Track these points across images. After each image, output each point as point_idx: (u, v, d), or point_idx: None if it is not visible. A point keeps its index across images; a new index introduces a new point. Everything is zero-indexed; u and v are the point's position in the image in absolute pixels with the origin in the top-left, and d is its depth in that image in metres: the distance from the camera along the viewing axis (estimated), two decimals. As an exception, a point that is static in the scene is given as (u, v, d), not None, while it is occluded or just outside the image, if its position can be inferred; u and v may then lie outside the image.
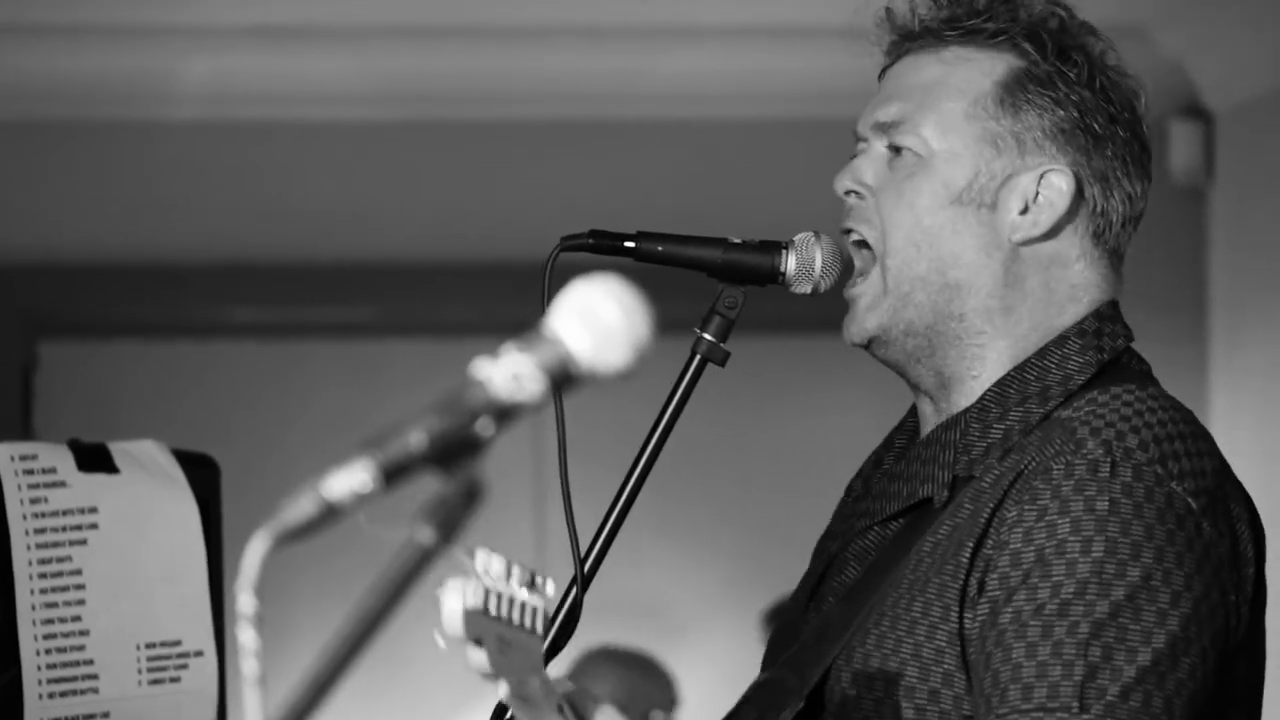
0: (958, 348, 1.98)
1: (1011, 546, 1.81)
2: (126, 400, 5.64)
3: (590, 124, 5.53)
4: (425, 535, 1.25)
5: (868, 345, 2.01)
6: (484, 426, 1.28)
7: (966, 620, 1.83)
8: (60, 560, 2.37)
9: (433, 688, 5.60)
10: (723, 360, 2.03)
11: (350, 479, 1.26)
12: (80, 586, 2.38)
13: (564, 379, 1.31)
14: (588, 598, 2.01)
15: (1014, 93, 1.98)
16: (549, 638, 1.99)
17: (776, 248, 2.04)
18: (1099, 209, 2.00)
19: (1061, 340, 1.97)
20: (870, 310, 1.99)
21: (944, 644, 1.84)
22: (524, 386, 1.30)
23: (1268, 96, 5.09)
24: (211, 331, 5.92)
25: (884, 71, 2.07)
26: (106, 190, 5.50)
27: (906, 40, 2.03)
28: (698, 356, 2.03)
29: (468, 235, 5.62)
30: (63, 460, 2.41)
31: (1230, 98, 5.24)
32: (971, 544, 1.84)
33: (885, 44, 2.06)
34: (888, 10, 2.04)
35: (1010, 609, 1.79)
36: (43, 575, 2.36)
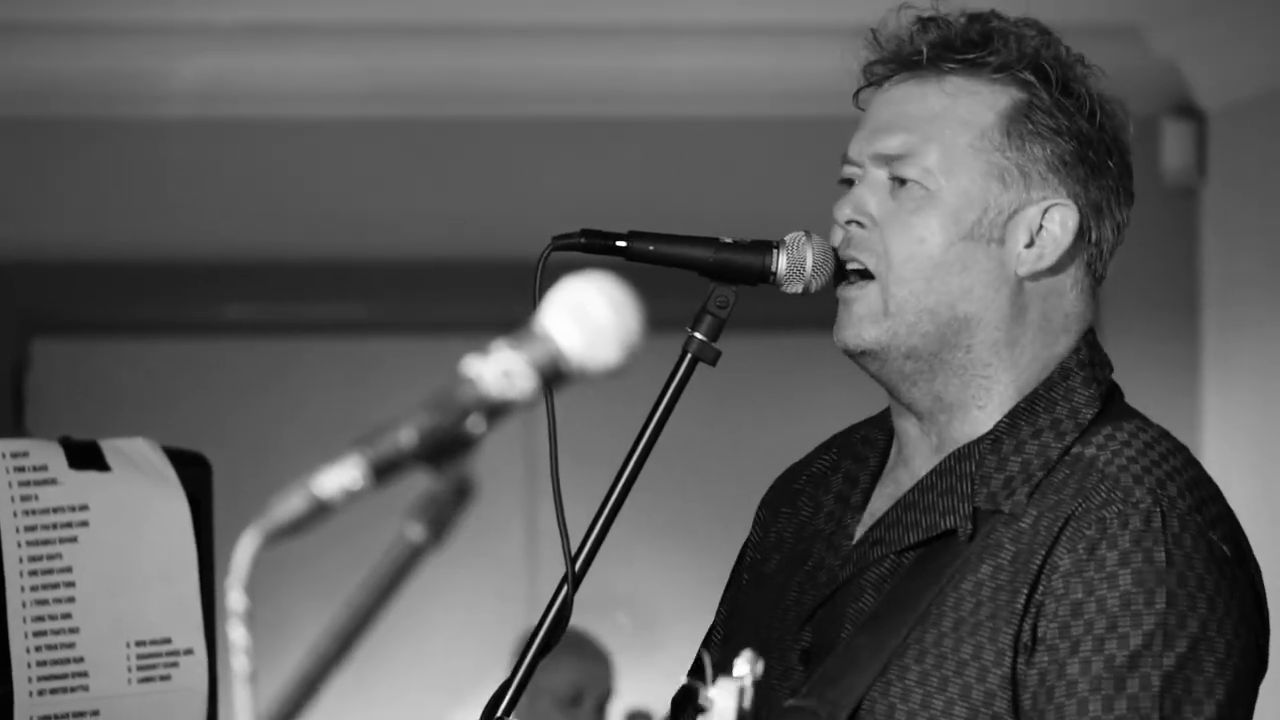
0: (962, 377, 1.99)
1: (1072, 597, 1.85)
2: (119, 398, 5.64)
3: (584, 122, 5.53)
4: (416, 533, 1.25)
5: (859, 354, 2.00)
6: (475, 424, 1.28)
7: (1020, 666, 1.86)
8: (51, 558, 2.37)
9: (422, 688, 5.61)
10: (714, 359, 2.03)
11: (341, 476, 1.26)
12: (71, 584, 2.38)
13: (555, 376, 1.31)
14: (578, 596, 2.01)
15: (1019, 125, 1.98)
16: (541, 635, 2.00)
17: (767, 247, 2.04)
18: (1094, 239, 2.03)
19: (1065, 373, 2.00)
20: (869, 322, 1.99)
21: (995, 687, 1.87)
22: (515, 384, 1.30)
23: (1259, 96, 5.10)
24: (204, 329, 5.92)
25: (861, 92, 2.07)
26: (100, 188, 5.50)
27: (904, 68, 2.02)
28: (688, 355, 2.03)
29: (461, 233, 5.62)
30: (54, 458, 2.40)
31: (1222, 97, 5.25)
32: (1026, 590, 1.87)
33: (876, 67, 2.05)
34: (874, 33, 2.04)
35: (1078, 660, 1.83)
36: (33, 573, 2.36)
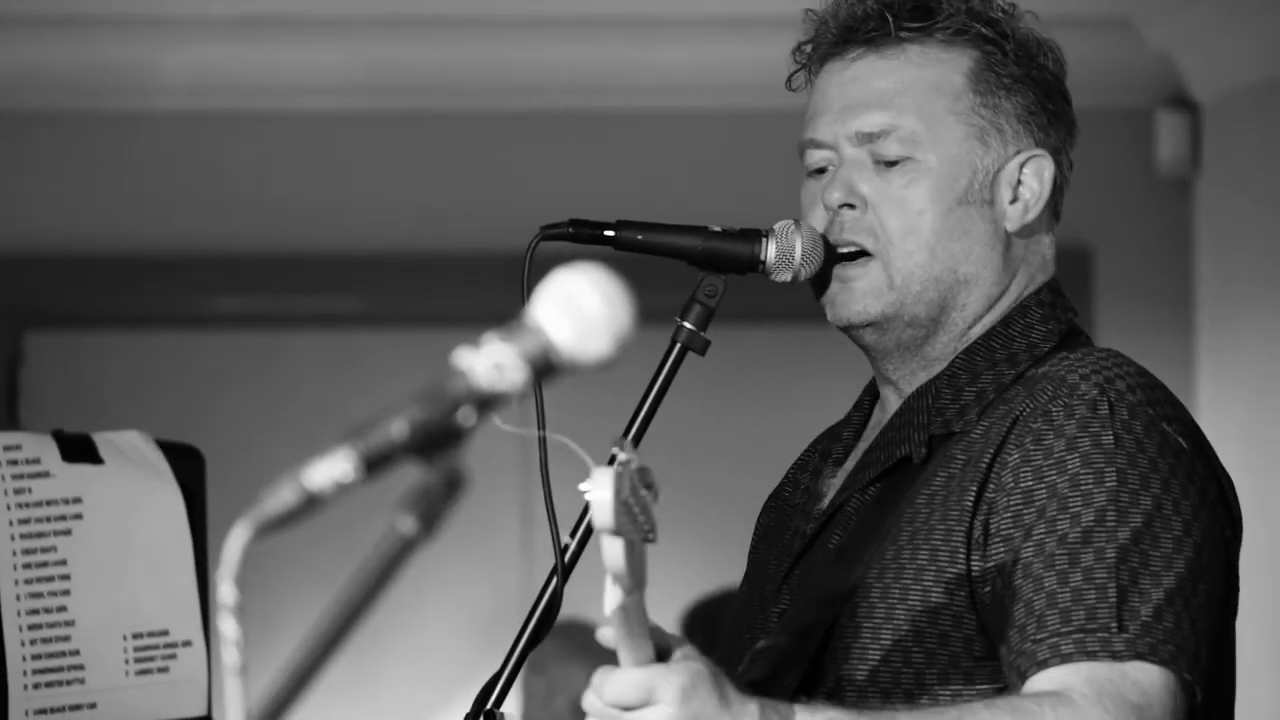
0: (951, 332, 2.03)
1: (1023, 485, 1.87)
2: (112, 391, 5.64)
3: (572, 115, 5.52)
4: (407, 525, 1.25)
5: (863, 327, 2.02)
6: (466, 416, 1.28)
7: (975, 562, 1.88)
8: (45, 551, 2.37)
9: (416, 681, 5.61)
10: (703, 349, 2.03)
11: (332, 468, 1.26)
12: (65, 577, 2.38)
13: (546, 368, 1.31)
14: (570, 586, 2.01)
15: (986, 83, 2.02)
16: (531, 626, 2.00)
17: (756, 235, 2.04)
18: (1059, 183, 2.07)
19: (1023, 309, 2.04)
20: (874, 297, 2.01)
21: (953, 586, 1.88)
22: (506, 376, 1.30)
23: (1254, 87, 5.09)
24: (196, 322, 5.91)
25: (808, 75, 2.08)
26: (91, 182, 5.49)
27: (856, 44, 2.03)
28: (678, 345, 2.03)
29: (450, 225, 5.62)
30: (47, 451, 2.40)
31: (1216, 89, 5.24)
32: (975, 489, 1.90)
33: (823, 46, 2.06)
34: (813, 12, 2.05)
35: (1032, 543, 1.84)
36: (27, 566, 2.36)
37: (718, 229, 2.05)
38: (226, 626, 1.23)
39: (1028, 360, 2.00)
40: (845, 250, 2.02)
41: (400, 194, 5.58)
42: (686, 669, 1.62)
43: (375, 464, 1.27)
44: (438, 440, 1.27)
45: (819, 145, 2.05)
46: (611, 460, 1.52)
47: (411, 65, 5.34)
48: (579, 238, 2.05)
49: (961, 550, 1.88)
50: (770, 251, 2.03)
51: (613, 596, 1.52)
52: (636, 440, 2.02)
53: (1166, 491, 1.85)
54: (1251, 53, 5.11)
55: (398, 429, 1.27)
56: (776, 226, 2.05)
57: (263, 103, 5.43)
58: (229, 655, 1.23)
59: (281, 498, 1.25)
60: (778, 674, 1.93)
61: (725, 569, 5.59)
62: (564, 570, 2.00)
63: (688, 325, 2.03)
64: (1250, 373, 5.17)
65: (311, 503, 1.26)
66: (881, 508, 1.97)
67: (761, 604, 2.07)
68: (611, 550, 1.49)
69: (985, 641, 1.87)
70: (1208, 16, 5.10)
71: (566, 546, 2.01)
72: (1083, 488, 1.84)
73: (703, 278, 2.03)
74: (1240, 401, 5.18)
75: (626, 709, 1.60)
